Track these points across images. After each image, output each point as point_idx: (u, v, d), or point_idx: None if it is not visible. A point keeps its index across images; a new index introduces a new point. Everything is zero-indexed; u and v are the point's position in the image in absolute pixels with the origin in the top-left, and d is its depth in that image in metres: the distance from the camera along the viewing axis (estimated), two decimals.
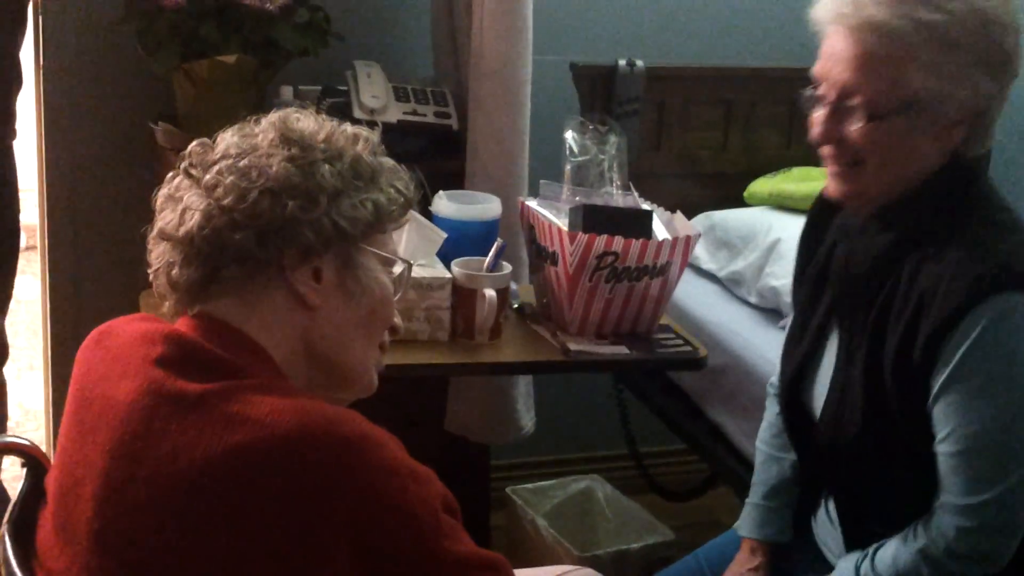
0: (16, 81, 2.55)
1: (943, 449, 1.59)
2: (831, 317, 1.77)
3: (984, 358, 1.55)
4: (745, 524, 1.98)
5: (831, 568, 1.82)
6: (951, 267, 1.57)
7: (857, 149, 1.63)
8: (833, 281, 1.76)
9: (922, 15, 1.56)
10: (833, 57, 1.63)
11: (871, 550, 1.69)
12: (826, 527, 1.87)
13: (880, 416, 1.65)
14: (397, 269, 1.42)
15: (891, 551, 1.66)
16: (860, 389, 1.66)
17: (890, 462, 1.67)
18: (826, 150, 1.67)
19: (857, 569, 1.69)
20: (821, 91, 1.65)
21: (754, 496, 1.99)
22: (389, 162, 1.40)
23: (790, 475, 1.95)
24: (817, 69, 1.66)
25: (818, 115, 1.66)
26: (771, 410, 2.00)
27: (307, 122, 1.36)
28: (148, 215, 1.38)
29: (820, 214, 1.85)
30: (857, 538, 1.76)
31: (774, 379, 2.02)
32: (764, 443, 2.01)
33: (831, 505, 1.85)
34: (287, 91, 2.60)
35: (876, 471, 1.69)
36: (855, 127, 1.62)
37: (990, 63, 1.59)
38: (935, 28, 1.56)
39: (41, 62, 2.77)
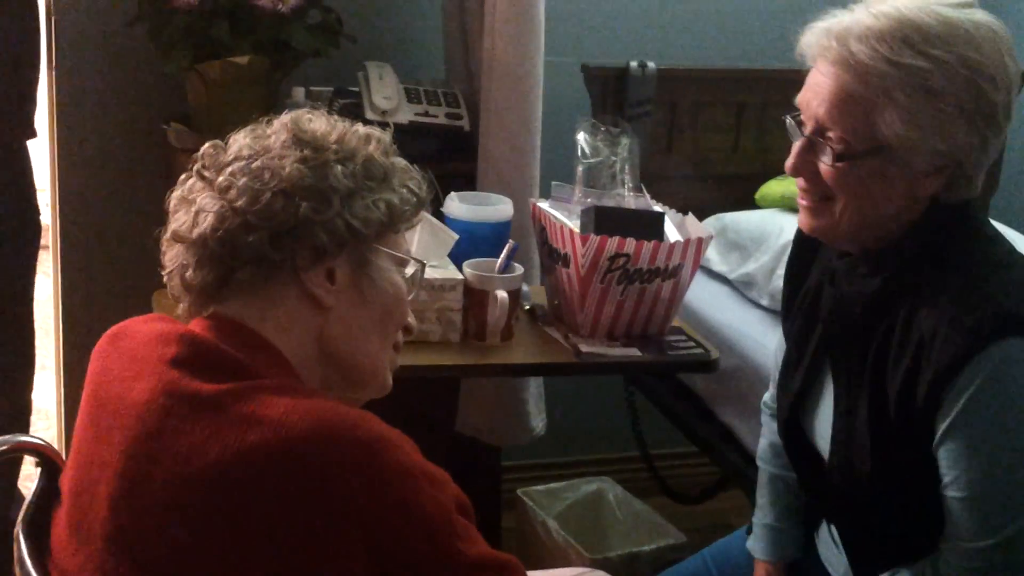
0: (34, 71, 2.53)
1: (949, 493, 1.57)
2: (824, 354, 1.75)
3: (987, 405, 1.52)
4: (759, 547, 1.96)
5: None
6: (947, 313, 1.54)
7: (826, 186, 1.60)
8: (824, 322, 1.73)
9: (906, 59, 1.52)
10: (812, 90, 1.60)
11: None
12: (829, 546, 1.87)
13: (890, 461, 1.63)
14: (410, 269, 1.42)
15: None
16: (867, 436, 1.64)
17: (899, 501, 1.65)
18: (799, 182, 1.64)
19: None
20: (804, 120, 1.62)
21: (765, 518, 1.97)
22: (401, 162, 1.41)
23: (797, 492, 1.94)
24: (799, 99, 1.63)
25: (795, 145, 1.63)
26: (769, 428, 1.99)
27: (319, 123, 1.36)
28: (160, 215, 1.38)
29: (803, 248, 1.83)
30: (862, 562, 1.75)
31: (768, 398, 2.01)
32: (766, 463, 1.99)
33: (833, 530, 1.84)
34: (299, 92, 2.61)
35: (884, 509, 1.67)
36: (824, 164, 1.59)
37: (973, 115, 1.53)
38: (917, 74, 1.51)
39: (54, 63, 2.78)
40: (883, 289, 1.62)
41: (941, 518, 1.60)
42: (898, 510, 1.66)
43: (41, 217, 2.67)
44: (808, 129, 1.61)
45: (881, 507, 1.67)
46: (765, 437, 2.00)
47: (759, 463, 2.01)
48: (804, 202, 1.65)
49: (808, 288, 1.80)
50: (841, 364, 1.70)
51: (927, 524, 1.62)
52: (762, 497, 1.99)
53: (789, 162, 1.63)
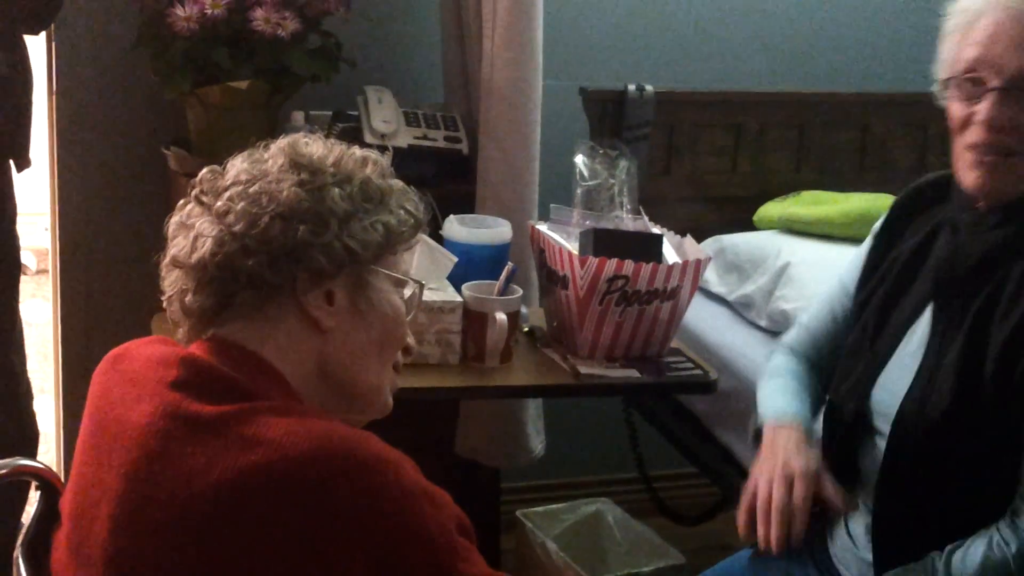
0: (23, 101, 2.46)
1: None
2: (917, 312, 1.77)
3: None
4: (780, 405, 1.87)
5: None
6: None
7: (1018, 139, 1.64)
8: (936, 269, 1.75)
9: None
10: (1002, 42, 1.63)
11: (944, 554, 1.65)
12: (846, 548, 1.85)
13: (970, 402, 1.64)
14: (408, 290, 1.42)
15: (978, 555, 1.62)
16: (952, 375, 1.66)
17: (965, 459, 1.66)
18: (981, 137, 1.66)
19: (933, 572, 1.65)
20: (983, 76, 1.65)
21: (784, 384, 1.92)
22: (398, 184, 1.41)
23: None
24: (978, 55, 1.66)
25: (984, 102, 1.65)
26: (784, 367, 1.96)
27: (316, 147, 1.37)
28: (159, 240, 1.38)
29: (899, 214, 1.86)
30: (889, 558, 1.74)
31: (788, 339, 2.01)
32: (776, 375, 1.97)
33: (852, 525, 1.83)
34: (299, 116, 2.62)
35: (943, 468, 1.67)
36: None
37: None
38: None
39: (54, 87, 2.79)
40: (1006, 241, 1.67)
41: (987, 503, 1.62)
42: (958, 471, 1.66)
43: (33, 241, 2.61)
44: (998, 83, 1.64)
45: (940, 465, 1.67)
46: (775, 370, 1.97)
47: (766, 379, 1.97)
48: (986, 158, 1.67)
49: (899, 252, 1.83)
50: (942, 311, 1.73)
51: (972, 508, 1.64)
52: (773, 381, 1.94)
53: (986, 114, 1.65)
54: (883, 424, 1.76)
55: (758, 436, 1.89)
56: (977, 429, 1.65)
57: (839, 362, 1.90)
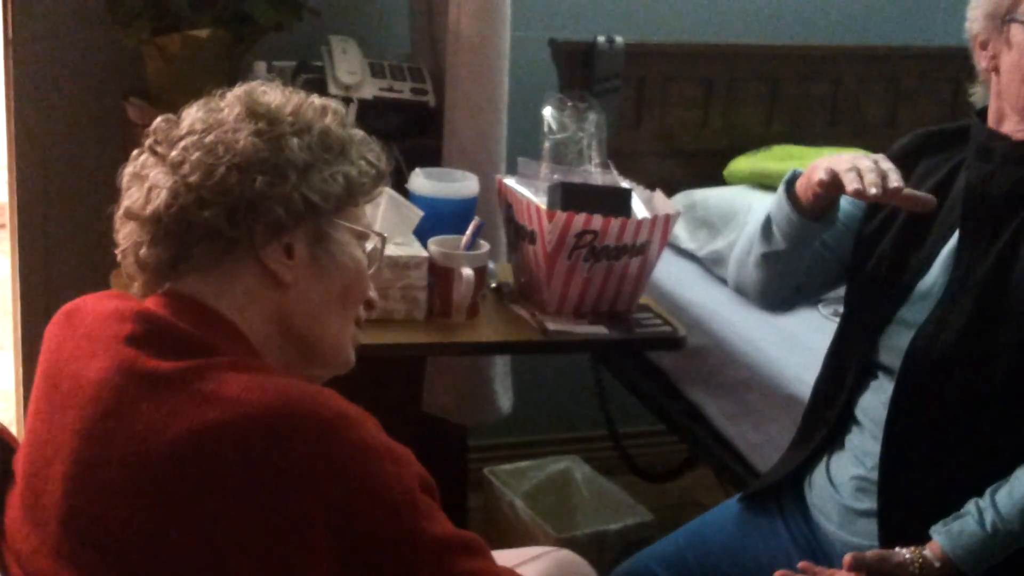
0: None
1: None
2: (934, 253, 1.77)
3: None
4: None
5: (810, 534, 1.84)
6: None
7: None
8: (966, 192, 1.75)
9: None
10: None
11: (987, 496, 1.65)
12: (825, 495, 1.84)
13: (986, 328, 1.66)
14: (371, 243, 1.40)
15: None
16: (972, 298, 1.68)
17: (979, 391, 1.66)
18: None
19: (980, 512, 1.64)
20: None
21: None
22: (359, 134, 1.38)
23: None
24: None
25: None
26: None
27: (274, 95, 1.34)
28: (118, 193, 1.35)
29: (906, 157, 1.85)
30: (894, 505, 1.73)
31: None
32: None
33: (834, 472, 1.82)
34: (261, 67, 2.57)
35: (957, 407, 1.68)
36: None
37: None
38: None
39: (10, 35, 2.73)
40: None
41: (1011, 434, 1.64)
42: (971, 406, 1.67)
43: None
44: None
45: (952, 399, 1.68)
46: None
47: (750, 253, 1.91)
48: None
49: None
50: (968, 240, 1.73)
51: (994, 438, 1.65)
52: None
53: None
54: (894, 360, 1.75)
55: (790, 187, 1.81)
56: (991, 358, 1.66)
57: (846, 305, 1.89)
